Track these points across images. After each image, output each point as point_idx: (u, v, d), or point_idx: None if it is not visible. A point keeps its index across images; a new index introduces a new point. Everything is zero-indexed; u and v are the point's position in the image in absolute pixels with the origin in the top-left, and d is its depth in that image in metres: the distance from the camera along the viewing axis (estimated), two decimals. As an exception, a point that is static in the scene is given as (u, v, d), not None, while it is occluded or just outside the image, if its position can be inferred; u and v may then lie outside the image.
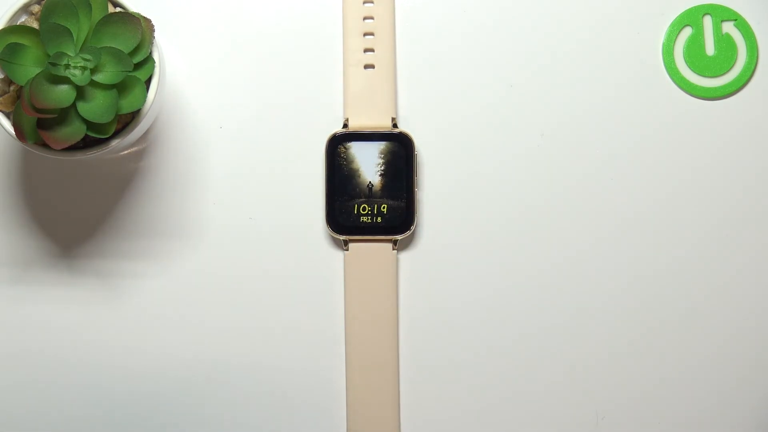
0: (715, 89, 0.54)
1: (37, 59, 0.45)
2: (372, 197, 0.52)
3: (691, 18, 0.54)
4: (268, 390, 0.53)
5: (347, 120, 0.53)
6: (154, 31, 0.47)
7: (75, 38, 0.45)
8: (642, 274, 0.53)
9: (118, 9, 0.48)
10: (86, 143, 0.47)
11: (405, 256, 0.53)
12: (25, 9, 0.48)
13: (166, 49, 0.53)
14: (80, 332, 0.53)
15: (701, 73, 0.54)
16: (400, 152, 0.52)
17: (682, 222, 0.53)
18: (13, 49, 0.44)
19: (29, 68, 0.45)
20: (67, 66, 0.44)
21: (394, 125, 0.53)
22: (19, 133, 0.45)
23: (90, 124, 0.45)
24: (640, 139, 0.53)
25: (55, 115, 0.45)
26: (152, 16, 0.47)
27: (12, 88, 0.47)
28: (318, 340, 0.53)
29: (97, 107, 0.45)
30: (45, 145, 0.46)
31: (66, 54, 0.44)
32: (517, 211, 0.53)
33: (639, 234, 0.53)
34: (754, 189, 0.53)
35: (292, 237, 0.53)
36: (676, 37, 0.54)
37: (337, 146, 0.52)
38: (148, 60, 0.47)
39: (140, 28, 0.46)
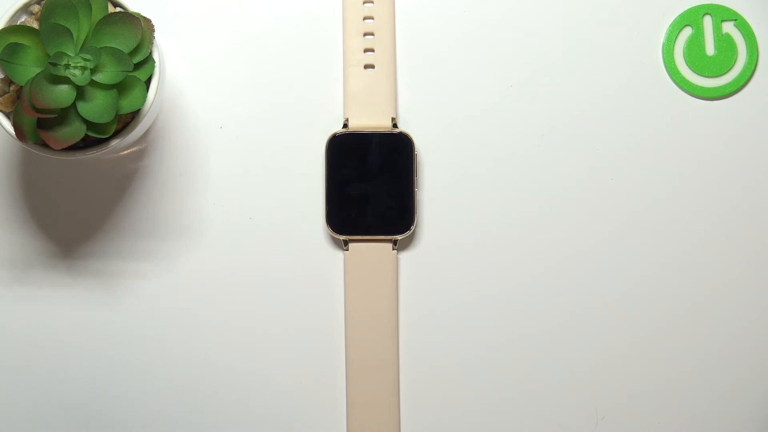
0: (715, 89, 0.54)
1: (37, 59, 0.45)
2: (372, 197, 0.52)
3: (691, 18, 0.54)
4: (268, 390, 0.53)
5: (347, 120, 0.53)
6: (154, 31, 0.47)
7: (75, 38, 0.45)
8: (642, 273, 0.53)
9: (118, 9, 0.48)
10: (86, 143, 0.47)
11: (405, 256, 0.53)
12: (25, 9, 0.48)
13: (166, 49, 0.53)
14: (80, 332, 0.53)
15: (701, 73, 0.54)
16: (400, 152, 0.52)
17: (682, 222, 0.53)
18: (13, 49, 0.44)
19: (29, 68, 0.45)
20: (67, 66, 0.44)
21: (394, 125, 0.53)
22: (19, 133, 0.45)
23: (90, 124, 0.45)
24: (640, 139, 0.53)
25: (55, 115, 0.44)
26: (152, 16, 0.47)
27: (12, 88, 0.47)
28: (318, 340, 0.53)
29: (97, 107, 0.45)
30: (45, 145, 0.46)
31: (66, 54, 0.44)
32: (517, 211, 0.53)
33: (639, 234, 0.53)
34: (754, 189, 0.53)
35: (292, 237, 0.53)
36: (676, 37, 0.54)
37: (337, 146, 0.52)
38: (148, 60, 0.47)
39: (140, 28, 0.46)
